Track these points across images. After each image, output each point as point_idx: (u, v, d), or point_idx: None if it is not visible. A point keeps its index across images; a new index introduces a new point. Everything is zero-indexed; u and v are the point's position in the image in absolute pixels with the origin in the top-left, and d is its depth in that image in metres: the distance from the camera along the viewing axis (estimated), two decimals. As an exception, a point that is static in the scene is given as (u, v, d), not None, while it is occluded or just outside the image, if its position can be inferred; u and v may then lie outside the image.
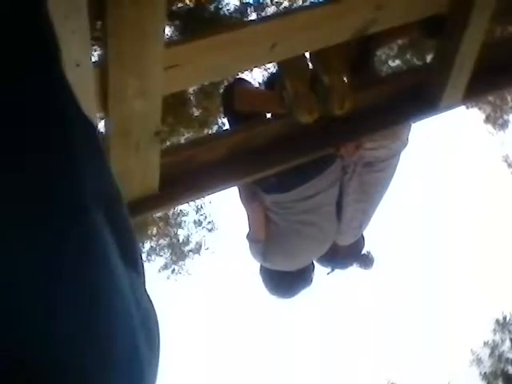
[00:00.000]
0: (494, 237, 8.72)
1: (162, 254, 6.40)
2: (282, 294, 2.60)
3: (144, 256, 5.98)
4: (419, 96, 1.82)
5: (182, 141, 5.45)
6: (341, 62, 1.96)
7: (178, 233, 6.42)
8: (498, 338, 7.73)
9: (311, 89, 1.84)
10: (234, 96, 2.21)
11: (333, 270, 2.67)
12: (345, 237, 2.52)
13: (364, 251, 2.71)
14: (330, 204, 2.36)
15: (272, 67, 4.82)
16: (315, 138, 1.80)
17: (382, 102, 1.84)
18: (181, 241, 6.43)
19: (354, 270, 2.73)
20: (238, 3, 5.58)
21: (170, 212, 6.15)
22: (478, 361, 7.70)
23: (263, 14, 5.54)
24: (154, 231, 6.29)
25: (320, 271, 2.64)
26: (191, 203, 6.08)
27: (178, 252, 6.43)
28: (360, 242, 2.66)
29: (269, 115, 2.14)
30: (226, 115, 2.48)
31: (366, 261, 2.71)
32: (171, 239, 6.40)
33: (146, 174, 1.51)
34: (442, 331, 8.87)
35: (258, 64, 2.92)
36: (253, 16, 5.54)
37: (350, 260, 2.68)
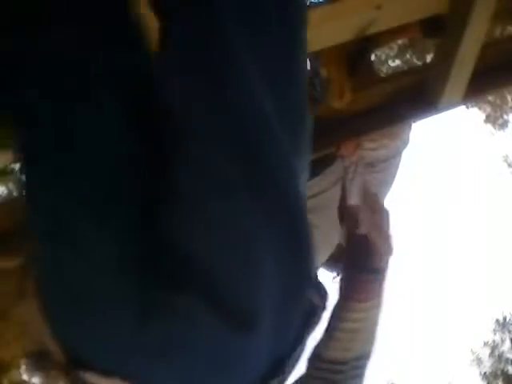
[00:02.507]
0: (494, 237, 8.73)
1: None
2: None
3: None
4: (419, 96, 1.82)
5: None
6: (339, 58, 1.95)
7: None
8: (498, 337, 7.74)
9: (309, 84, 1.83)
10: None
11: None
12: None
13: None
14: (333, 205, 2.35)
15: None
16: (315, 138, 1.79)
17: (382, 101, 1.83)
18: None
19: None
20: (237, 3, 5.58)
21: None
22: (478, 361, 7.71)
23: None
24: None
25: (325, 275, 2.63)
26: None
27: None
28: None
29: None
30: None
31: None
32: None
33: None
34: (442, 331, 8.87)
35: (258, 64, 2.90)
36: (253, 16, 5.53)
37: None
